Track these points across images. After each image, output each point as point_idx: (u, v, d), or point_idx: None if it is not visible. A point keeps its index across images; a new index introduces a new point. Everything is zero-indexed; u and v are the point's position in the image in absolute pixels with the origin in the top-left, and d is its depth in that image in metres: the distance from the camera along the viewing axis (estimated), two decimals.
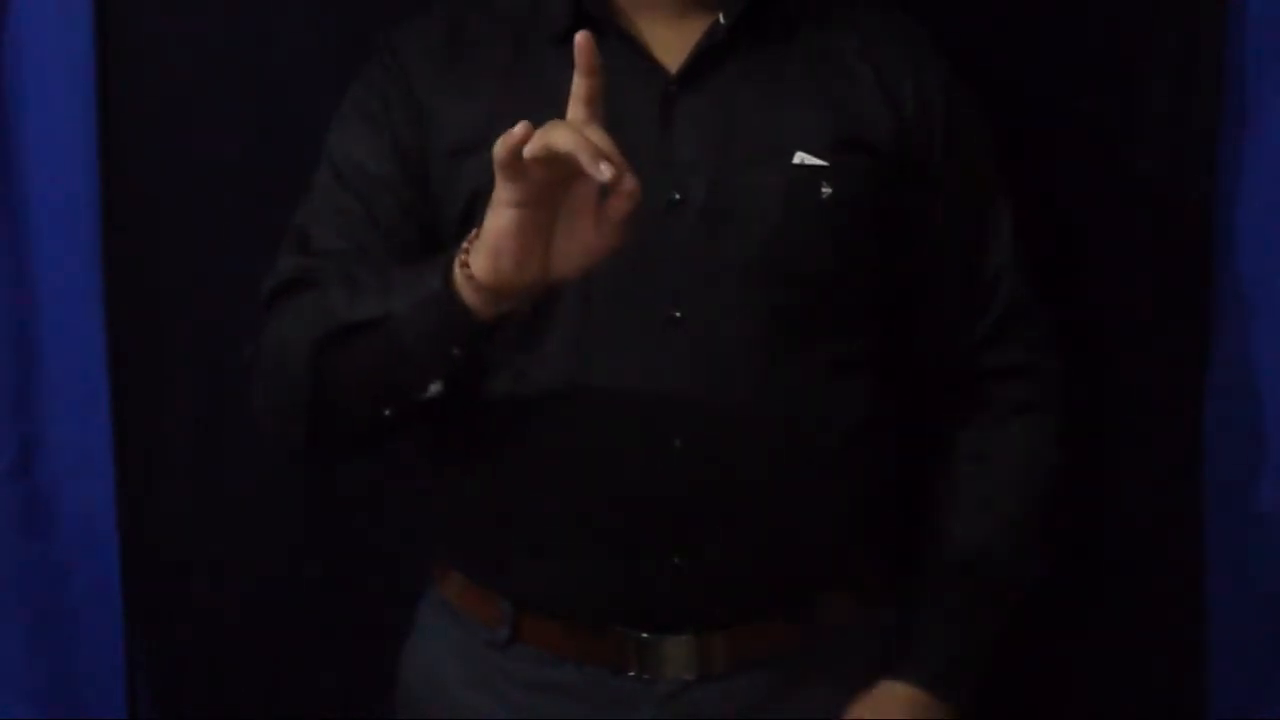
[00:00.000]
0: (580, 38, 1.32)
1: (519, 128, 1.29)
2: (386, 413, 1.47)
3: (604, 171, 1.26)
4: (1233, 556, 1.85)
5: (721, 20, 1.52)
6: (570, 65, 1.43)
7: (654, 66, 1.52)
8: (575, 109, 1.32)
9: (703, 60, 1.52)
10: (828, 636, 1.58)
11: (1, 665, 1.95)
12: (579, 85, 1.32)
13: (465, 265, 1.37)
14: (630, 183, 1.28)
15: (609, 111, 1.42)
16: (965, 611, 1.60)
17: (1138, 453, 1.85)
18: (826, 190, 1.51)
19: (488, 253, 1.34)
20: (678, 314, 1.50)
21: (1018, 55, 1.80)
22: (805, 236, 1.52)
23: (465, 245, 1.38)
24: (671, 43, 1.53)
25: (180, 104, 1.86)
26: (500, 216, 1.33)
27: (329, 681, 1.99)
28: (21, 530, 1.92)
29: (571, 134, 1.27)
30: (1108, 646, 1.91)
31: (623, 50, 1.52)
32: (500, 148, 1.29)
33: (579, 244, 1.33)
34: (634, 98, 1.50)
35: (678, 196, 1.50)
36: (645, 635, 1.53)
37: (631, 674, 1.54)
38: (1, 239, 1.86)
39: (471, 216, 1.48)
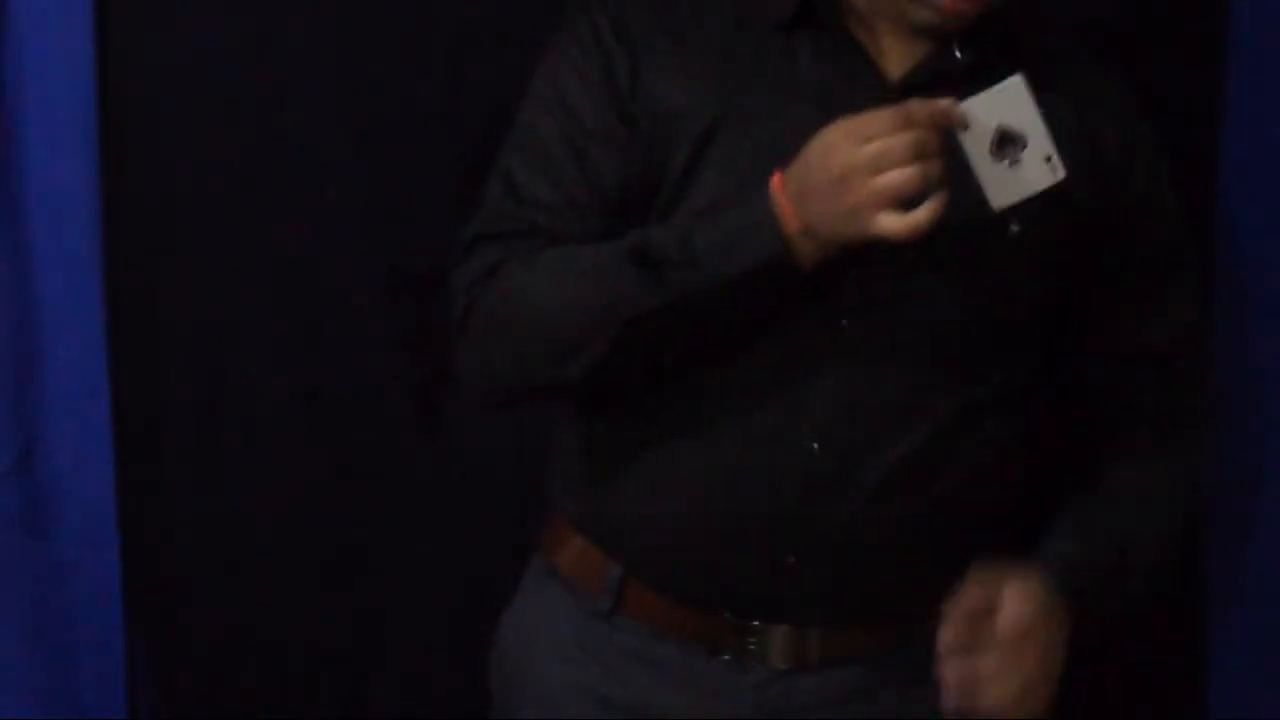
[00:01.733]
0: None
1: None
2: (661, 365, 1.51)
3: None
4: (1233, 556, 1.85)
5: (959, 54, 1.50)
6: (792, 54, 1.49)
7: (874, 72, 1.51)
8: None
9: (926, 77, 1.50)
10: (922, 637, 1.56)
11: (1, 665, 1.95)
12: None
13: (795, 220, 1.41)
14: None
15: (819, 105, 1.45)
16: (1099, 556, 1.59)
17: None
18: (1015, 228, 1.49)
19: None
20: (844, 322, 1.49)
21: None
22: (990, 268, 1.51)
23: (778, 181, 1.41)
24: (894, 55, 1.52)
25: (180, 104, 1.86)
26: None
27: (329, 681, 1.99)
28: (22, 530, 1.92)
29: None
30: (1107, 646, 1.90)
31: (845, 48, 1.51)
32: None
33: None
34: (850, 99, 1.47)
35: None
36: (744, 621, 1.54)
37: (727, 657, 1.55)
38: (1, 239, 1.86)
39: (680, 189, 1.50)
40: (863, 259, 1.45)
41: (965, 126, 1.39)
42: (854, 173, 1.37)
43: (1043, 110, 1.40)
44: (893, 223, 1.38)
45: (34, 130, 1.83)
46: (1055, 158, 1.40)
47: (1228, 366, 1.81)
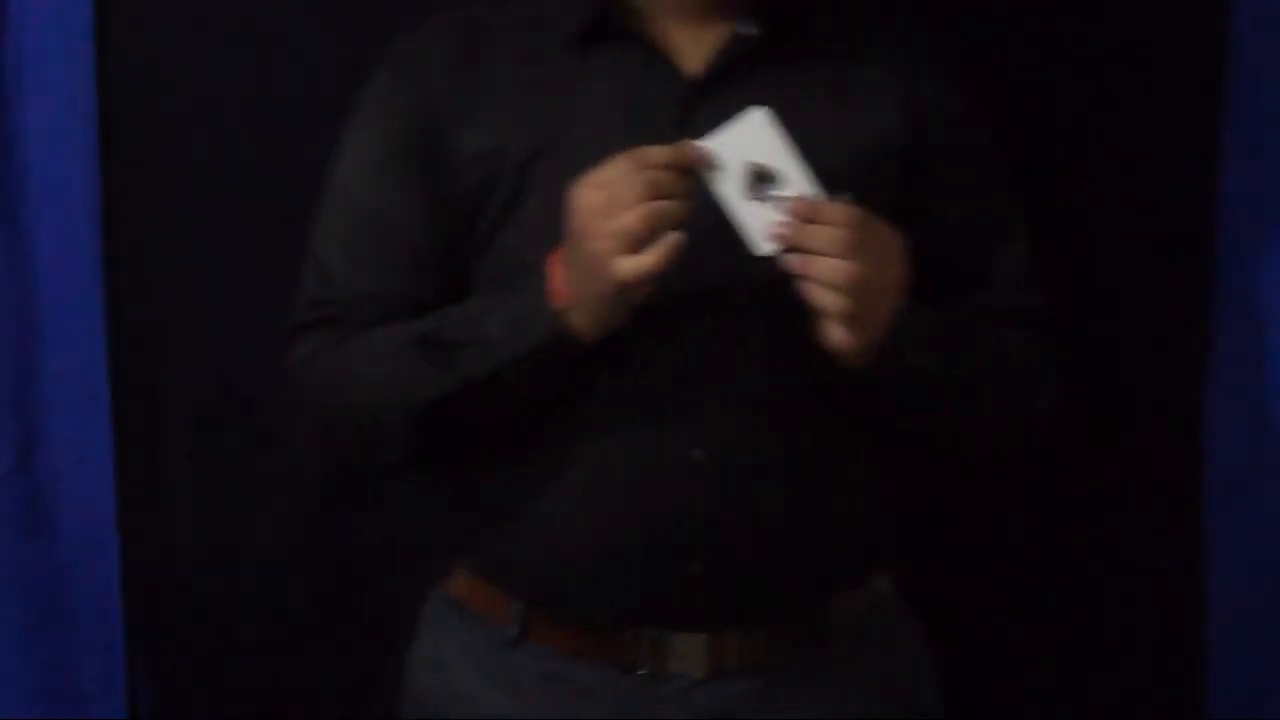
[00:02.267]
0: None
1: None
2: (478, 440, 1.54)
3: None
4: (1233, 556, 1.85)
5: (745, 30, 1.52)
6: (590, 70, 1.49)
7: (674, 71, 1.52)
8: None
9: (724, 67, 1.51)
10: (839, 638, 1.57)
11: (1, 665, 1.95)
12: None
13: (566, 295, 1.42)
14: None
15: (627, 115, 1.44)
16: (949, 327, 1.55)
17: (1138, 452, 1.85)
18: (847, 196, 1.49)
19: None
20: (692, 322, 1.50)
21: (1018, 56, 1.80)
22: None
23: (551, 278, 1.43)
24: (692, 49, 1.52)
25: (181, 103, 1.86)
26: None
27: (329, 681, 1.99)
28: (21, 530, 1.92)
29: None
30: (1108, 646, 1.91)
31: (642, 55, 1.52)
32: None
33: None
34: (653, 102, 1.49)
35: (693, 203, 1.49)
36: (657, 634, 1.53)
37: (643, 672, 1.54)
38: (2, 239, 1.86)
39: (496, 227, 1.51)
40: (697, 263, 1.44)
41: (710, 165, 1.39)
42: (591, 220, 1.39)
43: (792, 143, 1.40)
44: (627, 266, 1.38)
45: (34, 129, 1.84)
46: (814, 191, 1.39)
47: (1228, 366, 1.82)
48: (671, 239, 1.38)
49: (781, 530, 1.52)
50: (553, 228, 1.45)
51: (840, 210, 1.40)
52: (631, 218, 1.37)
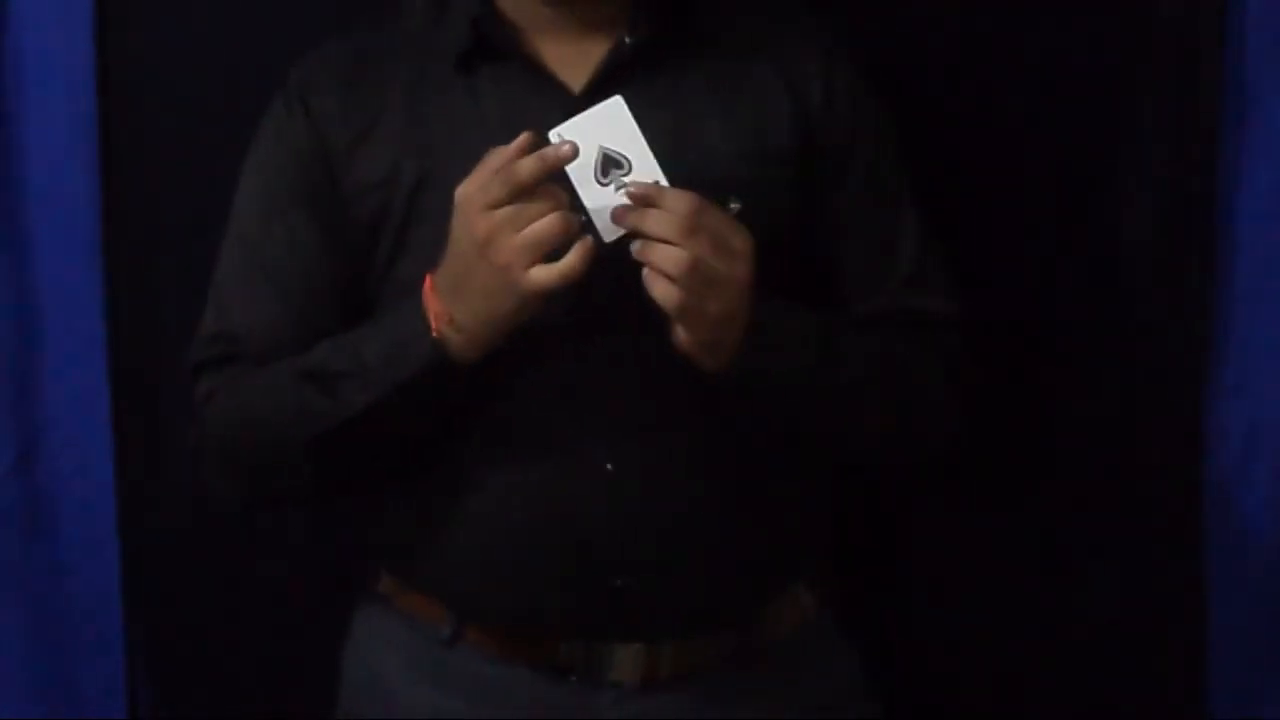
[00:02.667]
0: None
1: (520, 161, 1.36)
2: (376, 468, 1.55)
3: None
4: (1233, 556, 1.85)
5: (627, 40, 1.50)
6: (476, 91, 1.49)
7: (557, 87, 1.51)
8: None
9: (607, 79, 1.50)
10: (773, 646, 1.57)
11: (1, 665, 1.95)
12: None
13: (444, 320, 1.41)
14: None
15: (512, 134, 1.42)
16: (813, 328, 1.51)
17: (1138, 452, 1.85)
18: (735, 205, 1.47)
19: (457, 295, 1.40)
20: (595, 337, 1.49)
21: (1018, 56, 1.80)
22: None
23: (428, 303, 1.42)
24: (575, 63, 1.51)
25: (181, 103, 1.86)
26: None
27: (329, 681, 1.98)
28: (22, 530, 1.92)
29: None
30: (1107, 646, 1.91)
31: (525, 72, 1.51)
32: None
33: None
34: (537, 120, 1.45)
35: (584, 218, 1.46)
36: (587, 645, 1.53)
37: (574, 679, 1.54)
38: (2, 239, 1.86)
39: (390, 257, 1.51)
40: (591, 276, 1.42)
41: (572, 156, 1.37)
42: (497, 232, 1.37)
43: (647, 132, 1.39)
44: (544, 275, 1.37)
45: (34, 130, 1.84)
46: (662, 180, 1.38)
47: (1228, 366, 1.82)
48: (587, 243, 1.37)
49: (697, 538, 1.51)
50: (441, 253, 1.45)
51: (678, 196, 1.38)
52: (544, 227, 1.36)
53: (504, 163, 1.37)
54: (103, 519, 1.93)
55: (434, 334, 1.42)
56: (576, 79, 1.51)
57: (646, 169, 1.39)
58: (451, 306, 1.41)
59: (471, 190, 1.38)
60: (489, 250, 1.38)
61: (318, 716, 1.98)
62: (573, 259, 1.37)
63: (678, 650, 1.54)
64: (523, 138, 1.38)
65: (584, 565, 1.49)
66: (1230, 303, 1.80)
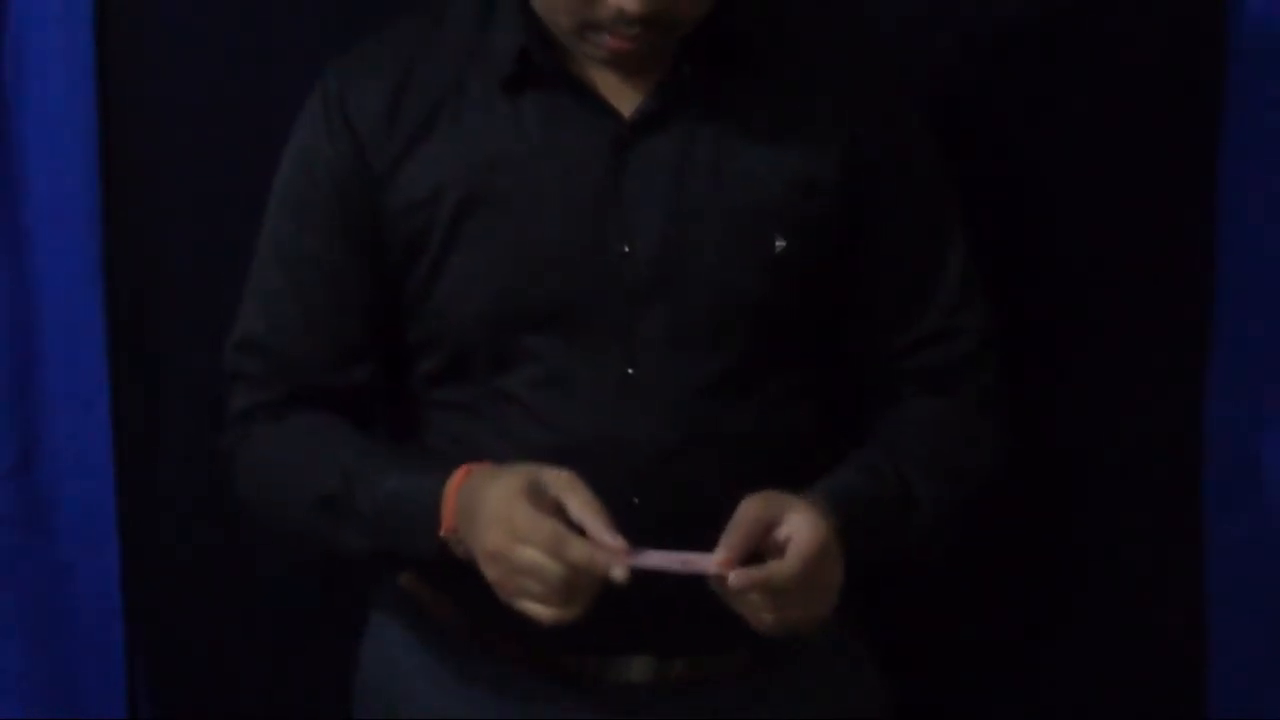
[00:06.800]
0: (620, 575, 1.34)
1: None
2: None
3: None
4: (1233, 556, 1.85)
5: (685, 68, 1.47)
6: (522, 114, 1.47)
7: (607, 113, 1.48)
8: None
9: (658, 105, 1.48)
10: (788, 655, 1.56)
11: (1, 666, 1.95)
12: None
13: (453, 531, 1.42)
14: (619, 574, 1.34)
15: (560, 161, 1.43)
16: (881, 498, 1.50)
17: (1138, 453, 1.85)
18: (780, 244, 1.48)
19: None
20: (630, 371, 1.49)
21: (1017, 55, 1.80)
22: (759, 290, 1.49)
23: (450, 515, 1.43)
24: (626, 87, 1.48)
25: (181, 103, 1.86)
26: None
27: (329, 680, 1.99)
28: (22, 531, 1.92)
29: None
30: (1107, 646, 1.91)
31: (574, 97, 1.48)
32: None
33: None
34: (586, 145, 1.47)
35: (627, 248, 1.47)
36: (601, 658, 1.53)
37: (588, 687, 1.54)
38: (1, 239, 1.86)
39: (429, 278, 1.50)
40: (630, 307, 1.46)
41: (621, 578, 1.34)
42: (504, 560, 1.36)
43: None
44: (537, 610, 1.37)
45: (34, 131, 1.84)
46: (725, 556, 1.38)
47: (1228, 366, 1.82)
48: (590, 596, 1.36)
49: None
50: (485, 280, 1.46)
51: (782, 578, 1.36)
52: (545, 598, 1.35)
53: (559, 544, 1.34)
54: (103, 519, 1.93)
55: (441, 534, 1.43)
56: (627, 104, 1.48)
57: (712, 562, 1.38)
58: (463, 532, 1.41)
59: (524, 525, 1.35)
60: (493, 561, 1.37)
61: (319, 716, 1.99)
62: (571, 613, 1.36)
63: (692, 664, 1.54)
64: (619, 572, 1.34)
65: (604, 592, 1.45)
66: (1230, 303, 1.80)
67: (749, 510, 1.39)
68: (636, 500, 1.48)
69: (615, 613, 1.41)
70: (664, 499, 1.49)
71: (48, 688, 1.96)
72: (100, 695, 1.97)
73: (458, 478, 1.43)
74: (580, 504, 1.36)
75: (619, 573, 1.33)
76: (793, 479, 1.48)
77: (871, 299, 1.56)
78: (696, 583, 1.40)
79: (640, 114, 1.48)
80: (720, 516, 1.41)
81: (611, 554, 1.33)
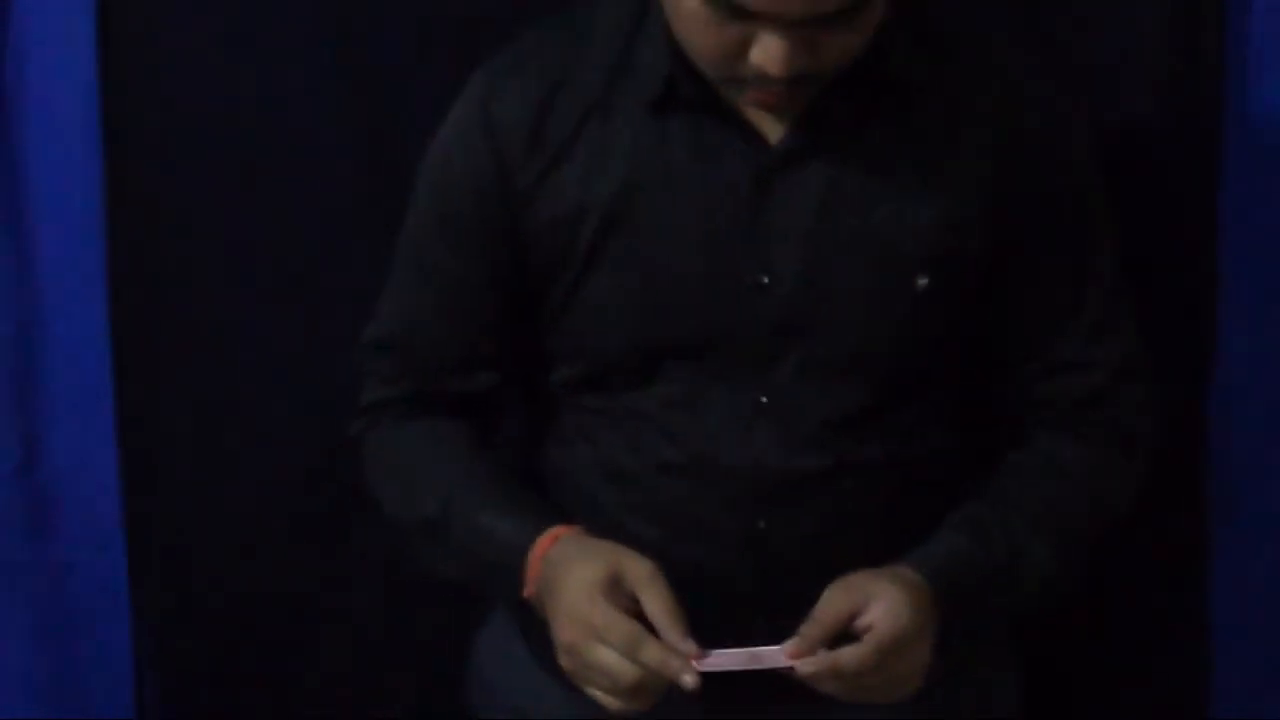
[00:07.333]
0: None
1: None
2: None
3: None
4: (1236, 557, 1.85)
5: (830, 98, 1.42)
6: (667, 136, 1.45)
7: (753, 141, 1.45)
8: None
9: (805, 137, 1.44)
10: None
11: (7, 665, 1.96)
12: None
13: (534, 592, 1.44)
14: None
15: (703, 188, 1.43)
16: (988, 555, 1.48)
17: None
18: (923, 281, 1.46)
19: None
20: (763, 399, 1.48)
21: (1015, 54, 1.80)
22: (898, 327, 1.47)
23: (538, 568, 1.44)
24: (784, 107, 1.42)
25: (182, 104, 1.85)
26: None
27: (335, 679, 1.99)
28: (25, 529, 1.93)
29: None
30: (1110, 646, 1.91)
31: (720, 122, 1.44)
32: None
33: None
34: (729, 173, 1.44)
35: (765, 280, 1.45)
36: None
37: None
38: (4, 239, 1.86)
39: (568, 296, 1.49)
40: (766, 338, 1.46)
41: (691, 685, 1.34)
42: (578, 654, 1.37)
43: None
44: (602, 698, 1.38)
45: (36, 130, 1.84)
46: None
47: (1230, 366, 1.82)
48: (659, 694, 1.37)
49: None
50: (623, 303, 1.47)
51: (851, 664, 1.36)
52: (621, 689, 1.36)
53: (635, 646, 1.35)
54: (107, 519, 1.93)
55: (523, 593, 1.44)
56: (773, 131, 1.45)
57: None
58: (543, 600, 1.43)
59: (601, 623, 1.36)
60: (568, 653, 1.39)
61: (326, 716, 1.99)
62: (643, 705, 1.37)
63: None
64: (689, 679, 1.34)
65: (727, 611, 1.46)
66: (1233, 303, 1.80)
67: (831, 603, 1.39)
68: (763, 525, 1.48)
69: (733, 641, 1.41)
70: (791, 524, 1.49)
71: (53, 689, 1.97)
72: (106, 696, 1.98)
73: (544, 544, 1.44)
74: (657, 602, 1.36)
75: (689, 680, 1.34)
76: (925, 506, 1.49)
77: (1008, 328, 1.54)
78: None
79: (786, 145, 1.45)
80: (848, 544, 1.45)
81: (683, 660, 1.34)
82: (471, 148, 1.50)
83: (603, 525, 1.48)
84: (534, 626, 1.49)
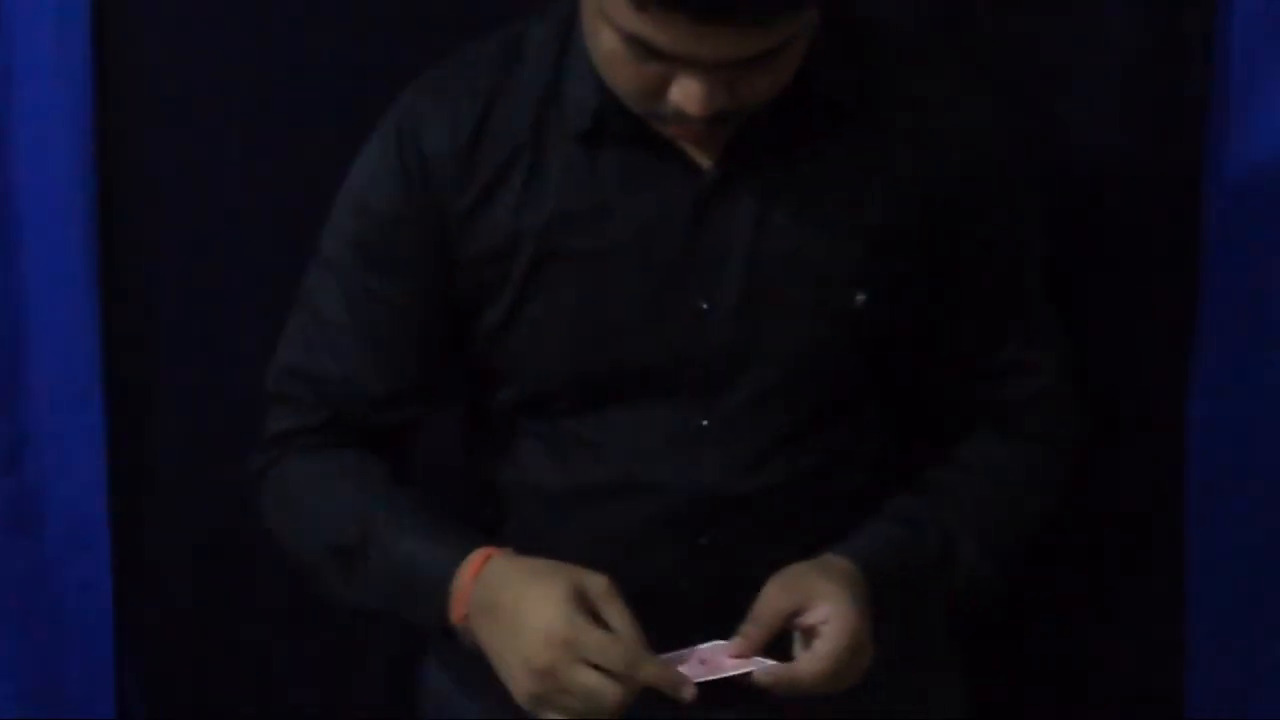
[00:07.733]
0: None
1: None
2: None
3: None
4: (1213, 557, 1.86)
5: (764, 116, 1.41)
6: (598, 166, 1.44)
7: (686, 169, 1.44)
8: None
9: (736, 160, 1.44)
10: None
11: None
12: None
13: (463, 620, 1.41)
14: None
15: (640, 215, 1.42)
16: (919, 548, 1.50)
17: (1120, 452, 1.86)
18: (860, 297, 1.46)
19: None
20: (705, 423, 1.49)
21: (1012, 53, 1.81)
22: (839, 344, 1.48)
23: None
24: (706, 140, 1.43)
25: (177, 102, 1.86)
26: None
27: (320, 681, 1.99)
28: (10, 528, 1.92)
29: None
30: (1087, 644, 1.92)
31: (652, 153, 1.43)
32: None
33: None
34: (663, 201, 1.44)
35: (705, 306, 1.46)
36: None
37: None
38: None
39: (500, 327, 1.48)
40: (708, 361, 1.46)
41: (690, 698, 1.34)
42: (554, 678, 1.33)
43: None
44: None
45: (27, 128, 1.83)
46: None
47: (1210, 365, 1.82)
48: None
49: None
50: (560, 334, 1.46)
51: (814, 682, 1.38)
52: (598, 713, 1.33)
53: (634, 664, 1.33)
54: (93, 518, 1.93)
55: (451, 616, 1.42)
56: (705, 156, 1.44)
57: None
58: (478, 625, 1.40)
59: (592, 645, 1.33)
60: (541, 677, 1.34)
61: (307, 717, 1.99)
62: None
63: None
64: (689, 692, 1.34)
65: (671, 627, 1.43)
66: (1214, 303, 1.81)
67: (771, 601, 1.40)
68: (704, 541, 1.49)
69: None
70: (730, 537, 1.50)
71: (36, 687, 1.96)
72: (89, 695, 1.97)
73: (475, 562, 1.41)
74: (623, 616, 1.34)
75: (689, 693, 1.33)
76: (861, 511, 1.50)
77: (947, 337, 1.54)
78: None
79: (717, 171, 1.44)
80: (788, 554, 1.43)
81: (680, 674, 1.34)
82: (397, 176, 1.48)
83: (541, 548, 1.43)
84: (458, 654, 1.47)
